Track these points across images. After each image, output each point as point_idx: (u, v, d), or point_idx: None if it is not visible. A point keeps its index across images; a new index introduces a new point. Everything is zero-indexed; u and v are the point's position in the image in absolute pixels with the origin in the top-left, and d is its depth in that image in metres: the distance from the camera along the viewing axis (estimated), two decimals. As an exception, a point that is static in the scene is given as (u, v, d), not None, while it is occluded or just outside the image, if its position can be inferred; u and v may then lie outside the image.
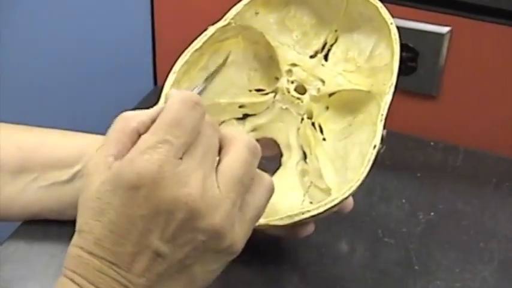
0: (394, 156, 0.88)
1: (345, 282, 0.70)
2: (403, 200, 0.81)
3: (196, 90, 0.64)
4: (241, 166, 0.51)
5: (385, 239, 0.75)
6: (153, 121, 0.50)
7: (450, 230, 0.77)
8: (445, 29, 0.89)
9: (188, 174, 0.49)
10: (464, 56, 0.90)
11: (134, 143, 0.50)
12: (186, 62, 0.66)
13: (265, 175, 0.54)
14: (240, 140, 0.52)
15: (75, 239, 0.51)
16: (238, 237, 0.51)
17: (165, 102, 0.51)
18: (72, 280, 0.50)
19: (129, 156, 0.49)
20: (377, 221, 0.78)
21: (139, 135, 0.50)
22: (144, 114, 0.51)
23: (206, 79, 0.67)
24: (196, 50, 0.66)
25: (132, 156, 0.48)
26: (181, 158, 0.49)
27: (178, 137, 0.49)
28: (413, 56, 0.91)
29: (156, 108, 0.51)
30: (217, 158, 0.51)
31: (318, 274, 0.70)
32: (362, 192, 0.80)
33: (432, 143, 0.92)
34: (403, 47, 0.90)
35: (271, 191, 0.54)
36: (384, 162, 0.87)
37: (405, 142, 0.92)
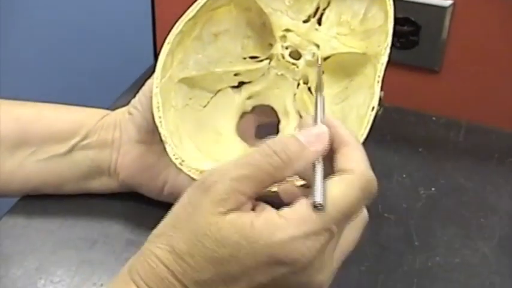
0: (396, 131, 0.88)
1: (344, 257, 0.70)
2: (404, 175, 0.81)
3: (320, 105, 0.56)
4: (354, 244, 0.52)
5: (385, 215, 0.75)
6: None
7: (451, 206, 0.77)
8: (447, 2, 0.88)
9: (327, 261, 0.49)
10: (466, 30, 0.89)
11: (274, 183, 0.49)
12: (180, 31, 0.65)
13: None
14: (360, 221, 0.53)
15: (168, 259, 0.48)
16: None
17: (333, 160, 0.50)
18: None
19: (290, 234, 0.46)
20: (377, 196, 0.77)
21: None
22: (298, 164, 0.49)
23: (316, 90, 0.65)
24: (190, 19, 0.65)
25: (294, 236, 0.46)
26: None
27: (341, 229, 0.49)
28: (415, 30, 0.90)
29: (314, 155, 0.49)
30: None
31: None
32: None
33: (434, 118, 0.91)
34: (405, 20, 0.90)
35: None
36: (385, 137, 0.86)
37: (407, 117, 0.91)
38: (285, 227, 0.46)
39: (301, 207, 0.47)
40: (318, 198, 0.47)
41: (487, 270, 0.69)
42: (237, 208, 0.47)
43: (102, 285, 0.65)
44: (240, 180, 0.47)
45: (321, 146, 0.50)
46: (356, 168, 0.49)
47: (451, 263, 0.70)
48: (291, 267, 0.47)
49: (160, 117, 0.63)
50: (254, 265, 0.46)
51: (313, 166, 0.49)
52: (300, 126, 0.53)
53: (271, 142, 0.49)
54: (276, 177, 0.48)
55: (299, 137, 0.50)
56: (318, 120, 0.52)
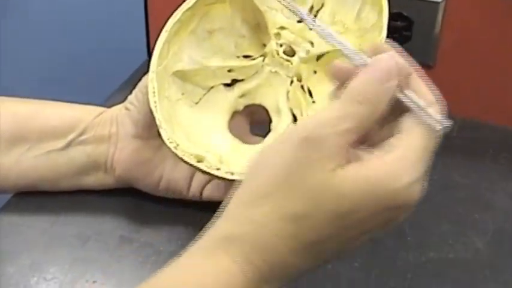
0: (389, 127, 0.87)
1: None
2: (398, 171, 0.81)
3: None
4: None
5: (379, 210, 0.75)
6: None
7: (444, 202, 0.77)
8: (440, -3, 0.88)
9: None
10: (459, 25, 0.89)
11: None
12: (178, 20, 0.66)
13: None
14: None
15: (276, 223, 0.46)
16: None
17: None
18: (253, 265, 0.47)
19: (407, 180, 0.46)
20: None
21: None
22: (383, 107, 0.48)
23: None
24: (188, 9, 0.66)
25: (410, 182, 0.46)
26: None
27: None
28: (408, 25, 0.90)
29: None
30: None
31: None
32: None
33: (428, 114, 0.91)
34: (398, 15, 0.89)
35: None
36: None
37: (400, 112, 0.91)
38: (401, 174, 0.46)
39: (411, 148, 0.48)
40: (442, 123, 0.50)
41: (480, 265, 0.69)
42: (346, 162, 0.47)
43: (94, 282, 0.65)
44: (345, 134, 0.47)
45: (396, 81, 0.50)
46: (433, 100, 0.52)
47: (444, 259, 0.70)
48: (404, 209, 0.48)
49: (155, 101, 0.64)
50: (371, 215, 0.47)
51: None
52: (337, 69, 0.51)
53: (359, 89, 0.48)
54: (366, 128, 0.48)
55: (376, 78, 0.48)
56: (380, 54, 0.51)
